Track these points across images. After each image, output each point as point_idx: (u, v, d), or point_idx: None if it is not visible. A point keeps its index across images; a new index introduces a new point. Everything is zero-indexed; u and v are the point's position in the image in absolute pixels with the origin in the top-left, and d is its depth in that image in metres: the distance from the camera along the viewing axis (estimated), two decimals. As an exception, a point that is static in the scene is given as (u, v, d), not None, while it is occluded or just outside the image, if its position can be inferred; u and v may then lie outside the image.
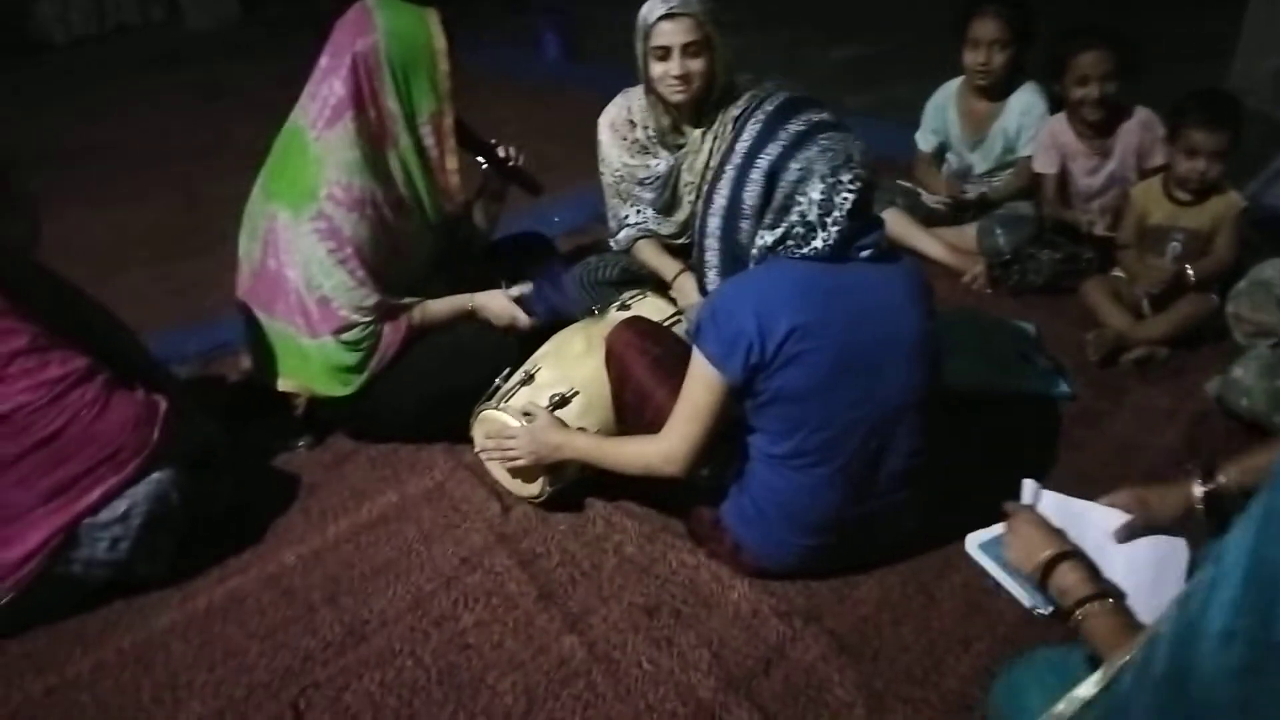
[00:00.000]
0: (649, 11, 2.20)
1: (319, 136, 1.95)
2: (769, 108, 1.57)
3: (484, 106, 4.26)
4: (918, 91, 3.12)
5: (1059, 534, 1.21)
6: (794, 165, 1.51)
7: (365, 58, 1.93)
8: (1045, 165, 2.76)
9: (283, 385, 2.09)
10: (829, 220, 1.51)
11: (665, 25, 2.18)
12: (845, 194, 1.51)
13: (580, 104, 4.03)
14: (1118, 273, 2.58)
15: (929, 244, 2.83)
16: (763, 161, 1.53)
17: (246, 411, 2.20)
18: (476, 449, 1.97)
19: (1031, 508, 1.29)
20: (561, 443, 1.79)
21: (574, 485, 1.94)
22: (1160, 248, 2.48)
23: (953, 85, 2.96)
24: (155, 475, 1.71)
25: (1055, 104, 2.77)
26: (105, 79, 5.74)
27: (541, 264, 2.35)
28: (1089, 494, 1.28)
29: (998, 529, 1.32)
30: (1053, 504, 1.30)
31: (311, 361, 2.01)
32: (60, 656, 1.68)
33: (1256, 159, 3.29)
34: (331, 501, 2.03)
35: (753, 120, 1.57)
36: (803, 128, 1.53)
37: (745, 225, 1.58)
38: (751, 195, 1.55)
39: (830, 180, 1.50)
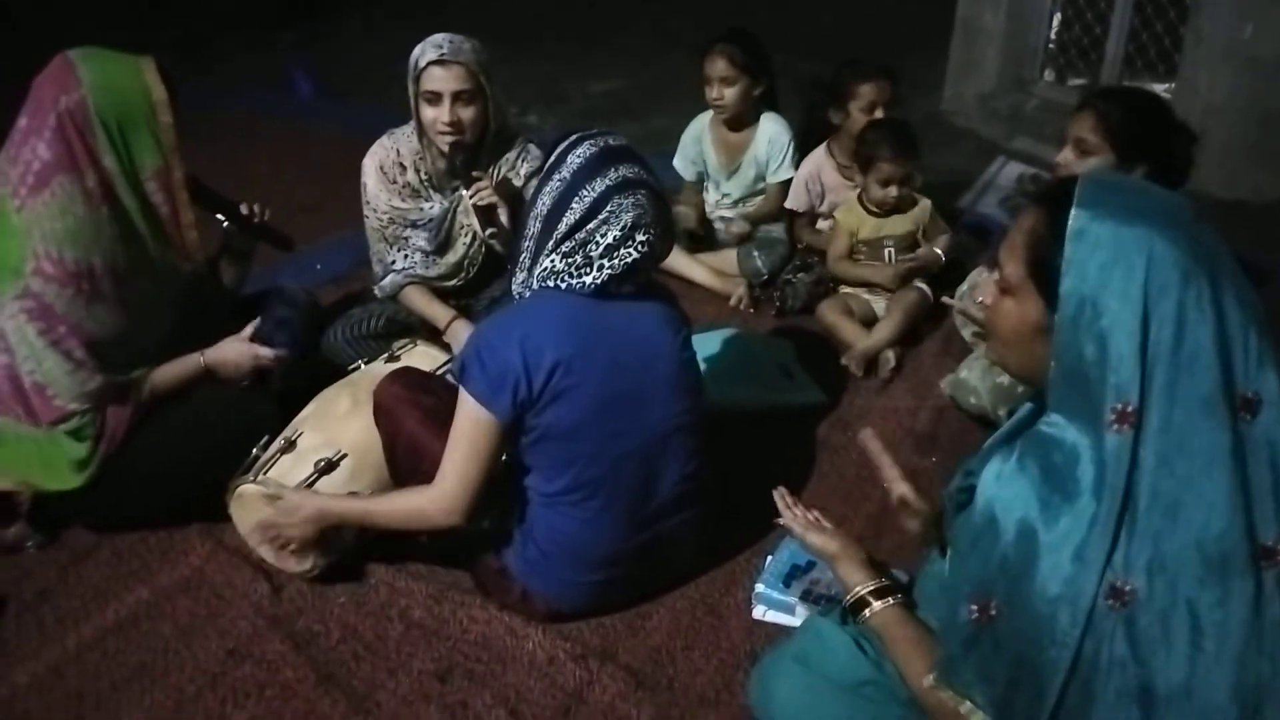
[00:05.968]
0: (421, 55, 2.17)
1: (22, 205, 1.74)
2: (599, 145, 1.59)
3: (234, 151, 4.01)
4: (675, 122, 3.24)
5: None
6: (609, 206, 1.54)
7: (72, 115, 1.74)
8: (798, 203, 2.95)
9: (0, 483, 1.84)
10: (606, 264, 1.56)
11: (436, 71, 2.15)
12: (633, 250, 1.57)
13: (338, 144, 3.88)
14: (846, 290, 2.77)
15: (694, 269, 2.94)
16: (587, 194, 1.55)
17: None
18: (240, 529, 1.82)
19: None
20: (320, 509, 1.69)
21: (353, 553, 1.84)
22: (879, 254, 2.72)
23: (705, 117, 3.09)
24: None
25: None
26: None
27: (270, 299, 2.15)
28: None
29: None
30: None
31: (31, 454, 1.79)
32: None
33: (969, 172, 3.70)
34: (70, 606, 1.80)
35: (576, 153, 1.58)
36: (630, 176, 1.57)
37: (548, 242, 1.58)
38: (571, 218, 1.56)
39: (628, 231, 1.55)
